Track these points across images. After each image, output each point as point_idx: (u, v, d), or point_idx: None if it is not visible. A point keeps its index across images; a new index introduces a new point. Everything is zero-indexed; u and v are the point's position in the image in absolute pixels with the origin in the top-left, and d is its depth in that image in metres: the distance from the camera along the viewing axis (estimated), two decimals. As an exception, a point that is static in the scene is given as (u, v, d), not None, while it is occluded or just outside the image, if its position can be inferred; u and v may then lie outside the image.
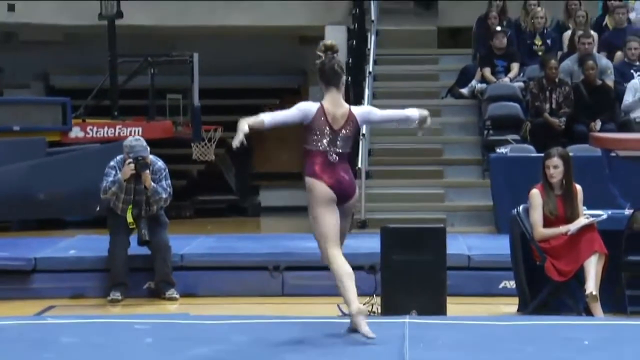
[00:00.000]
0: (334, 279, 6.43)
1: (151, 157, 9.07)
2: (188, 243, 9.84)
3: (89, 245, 9.85)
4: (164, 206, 9.15)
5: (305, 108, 6.58)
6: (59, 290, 9.07)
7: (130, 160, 8.91)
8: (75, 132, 14.69)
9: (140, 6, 15.98)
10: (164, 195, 9.02)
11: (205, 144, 15.21)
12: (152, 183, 8.94)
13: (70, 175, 13.49)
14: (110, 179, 8.98)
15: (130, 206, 8.96)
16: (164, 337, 6.41)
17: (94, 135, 14.66)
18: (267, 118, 6.52)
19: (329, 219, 6.49)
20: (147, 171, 8.95)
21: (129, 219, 8.95)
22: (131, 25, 15.19)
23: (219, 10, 16.33)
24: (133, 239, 9.07)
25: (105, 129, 14.69)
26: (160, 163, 9.14)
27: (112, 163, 9.12)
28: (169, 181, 9.11)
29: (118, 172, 8.98)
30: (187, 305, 8.66)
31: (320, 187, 6.51)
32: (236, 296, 9.00)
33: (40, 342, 6.25)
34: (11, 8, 15.75)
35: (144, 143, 9.04)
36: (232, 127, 19.63)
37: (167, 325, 6.91)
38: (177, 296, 8.96)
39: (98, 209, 9.62)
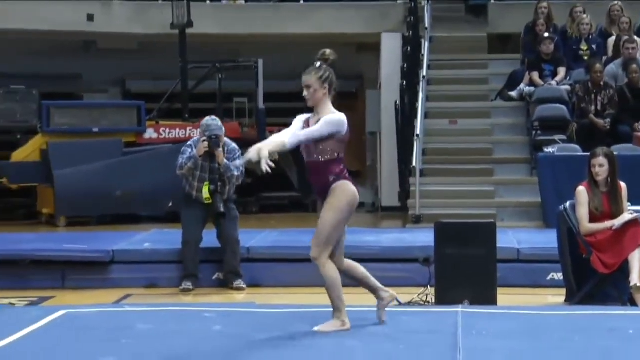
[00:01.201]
0: (325, 283, 6.17)
1: (226, 139, 9.09)
2: (254, 237, 9.87)
3: (163, 238, 9.92)
4: (237, 184, 9.08)
5: (341, 121, 6.09)
6: (134, 280, 9.13)
7: (205, 138, 8.94)
8: (149, 134, 14.80)
9: (209, 16, 16.08)
10: (235, 173, 9.00)
11: (270, 145, 15.21)
12: (225, 161, 8.95)
13: (145, 174, 13.60)
14: (186, 155, 9.01)
15: (206, 183, 8.96)
16: (232, 325, 6.43)
17: (167, 136, 14.75)
18: (288, 139, 5.97)
19: (344, 228, 6.23)
20: (220, 149, 8.94)
21: (205, 194, 8.92)
22: (200, 33, 15.27)
23: (281, 19, 16.38)
24: (205, 233, 9.11)
25: (177, 130, 14.79)
26: (234, 145, 9.16)
27: (189, 142, 9.17)
28: (242, 162, 9.07)
29: (194, 150, 9.01)
30: (253, 295, 8.68)
31: (356, 195, 6.19)
32: (298, 286, 9.00)
33: (118, 328, 6.30)
34: (90, 18, 15.91)
35: (219, 123, 9.04)
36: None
37: (235, 313, 6.93)
38: (244, 286, 8.99)
39: (170, 204, 9.67)
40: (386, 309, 6.49)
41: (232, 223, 9.07)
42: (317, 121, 6.11)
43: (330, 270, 6.16)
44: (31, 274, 9.13)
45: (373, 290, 6.45)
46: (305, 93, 6.13)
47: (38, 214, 14.55)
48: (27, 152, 14.47)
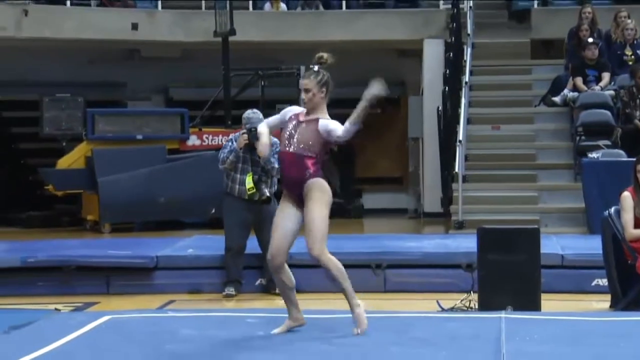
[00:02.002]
0: (334, 275, 6.27)
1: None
2: (295, 243, 9.85)
3: (206, 244, 9.96)
4: (278, 176, 9.06)
5: None
6: (178, 286, 9.17)
7: (244, 130, 8.96)
8: (192, 140, 14.88)
9: (252, 23, 16.14)
10: (276, 165, 8.98)
11: (312, 151, 15.25)
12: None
13: (188, 180, 13.67)
14: (227, 149, 9.04)
15: (249, 174, 8.96)
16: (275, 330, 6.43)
17: (209, 142, 14.82)
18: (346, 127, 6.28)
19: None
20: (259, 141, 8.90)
21: (249, 184, 8.92)
22: (243, 41, 15.33)
23: (323, 26, 16.40)
24: (248, 238, 9.12)
25: (220, 137, 14.84)
26: (275, 139, 9.15)
27: (230, 136, 9.20)
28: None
29: (234, 144, 9.02)
30: (295, 301, 8.66)
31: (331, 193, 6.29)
32: (340, 292, 8.97)
33: (162, 333, 6.34)
34: (135, 27, 16.04)
35: (260, 116, 9.04)
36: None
37: (277, 319, 6.94)
38: (287, 292, 8.98)
39: (213, 211, 9.70)
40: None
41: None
42: (313, 121, 6.21)
43: (336, 261, 6.28)
44: (76, 279, 9.21)
45: (293, 305, 6.42)
46: (303, 96, 6.26)
47: (83, 220, 14.67)
48: (72, 160, 14.60)
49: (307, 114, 6.29)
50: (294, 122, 6.29)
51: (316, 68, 6.29)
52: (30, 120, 15.88)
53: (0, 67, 15.13)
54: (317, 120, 6.24)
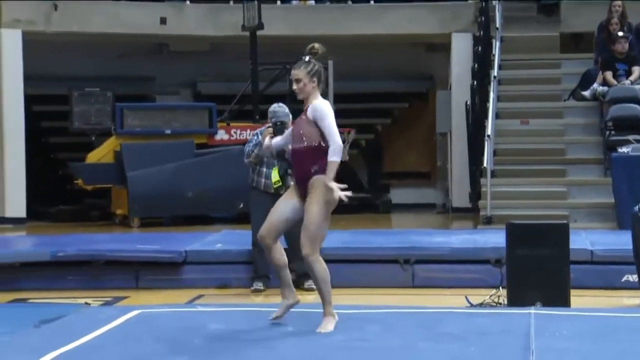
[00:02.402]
0: (317, 277, 6.26)
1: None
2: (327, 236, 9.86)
3: (234, 239, 9.98)
4: None
5: (328, 104, 6.33)
6: (206, 280, 9.20)
7: (270, 124, 8.97)
8: (221, 135, 14.93)
9: (280, 17, 16.15)
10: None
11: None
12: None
13: (216, 175, 13.71)
14: (252, 143, 9.05)
15: (275, 167, 8.96)
16: (303, 325, 6.45)
17: (237, 137, 14.86)
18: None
19: (328, 222, 6.36)
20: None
21: (275, 178, 8.93)
22: (271, 35, 15.35)
23: (352, 19, 16.38)
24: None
25: (248, 131, 14.88)
26: None
27: (256, 130, 9.22)
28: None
29: (260, 137, 9.04)
30: (323, 296, 8.67)
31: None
32: (369, 287, 9.00)
33: (191, 328, 6.36)
34: (163, 21, 16.09)
35: (286, 110, 9.04)
36: (365, 130, 19.65)
37: (306, 314, 6.95)
38: (315, 287, 8.99)
39: (241, 205, 9.72)
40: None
41: (300, 227, 9.03)
42: (307, 110, 6.24)
43: (323, 265, 6.29)
44: (105, 274, 9.27)
45: (286, 284, 6.50)
46: (294, 87, 6.31)
47: (112, 214, 14.76)
48: (101, 154, 14.69)
49: (304, 105, 6.37)
50: (298, 119, 6.39)
51: (307, 58, 6.32)
52: (60, 115, 15.99)
53: (30, 61, 15.21)
54: (306, 109, 6.28)
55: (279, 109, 9.03)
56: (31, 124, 15.90)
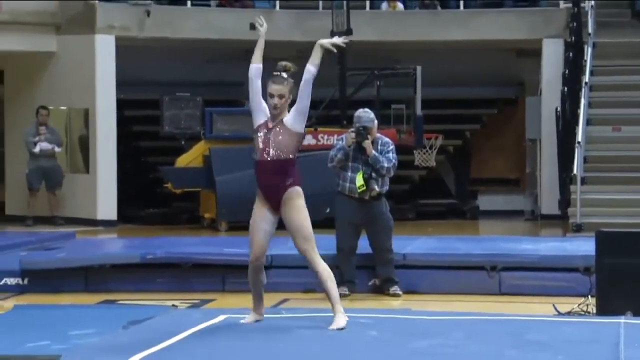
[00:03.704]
0: (319, 278, 6.47)
1: (379, 135, 9.09)
2: (410, 243, 9.85)
3: (320, 244, 9.78)
4: (388, 176, 9.03)
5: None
6: (292, 284, 9.23)
7: (353, 129, 8.98)
8: (308, 140, 14.94)
9: (368, 23, 16.16)
10: (385, 164, 8.95)
11: (427, 151, 15.20)
12: (374, 152, 8.93)
13: (303, 179, 13.73)
14: (337, 148, 9.08)
15: (360, 172, 8.97)
16: (387, 331, 6.43)
17: (325, 142, 14.88)
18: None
19: None
20: (368, 141, 8.92)
21: (359, 182, 8.94)
22: (359, 40, 15.34)
23: (440, 25, 16.31)
24: (361, 238, 9.13)
25: (335, 136, 14.88)
26: (387, 139, 9.15)
27: (341, 136, 9.24)
28: (395, 155, 9.05)
29: (344, 142, 9.06)
30: (409, 302, 8.65)
31: None
32: (455, 294, 8.93)
33: (275, 332, 6.38)
34: (252, 27, 16.18)
35: (372, 115, 9.04)
36: (453, 136, 19.53)
37: (390, 320, 6.93)
38: (400, 293, 8.98)
39: (328, 210, 9.72)
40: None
41: (385, 233, 9.04)
42: (279, 123, 6.42)
43: (324, 263, 6.53)
44: (193, 276, 9.37)
45: (261, 300, 6.65)
46: (277, 102, 6.45)
47: (200, 218, 14.91)
48: (190, 158, 14.85)
49: (273, 119, 6.47)
50: (264, 131, 6.48)
51: (285, 75, 6.52)
52: (151, 119, 16.23)
53: (123, 66, 15.47)
54: (281, 121, 6.43)
55: (364, 114, 9.04)
56: (123, 128, 16.16)
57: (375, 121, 9.07)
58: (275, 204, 6.49)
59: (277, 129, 6.43)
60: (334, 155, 9.06)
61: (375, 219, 9.03)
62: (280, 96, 6.45)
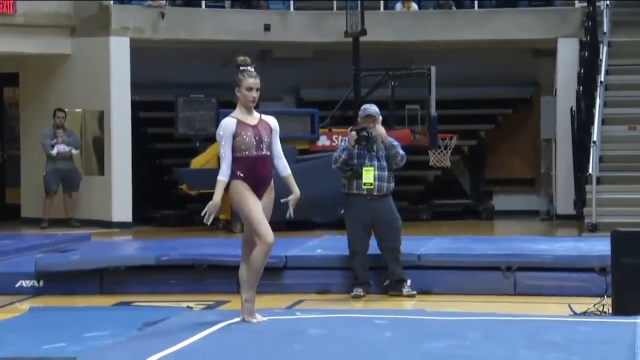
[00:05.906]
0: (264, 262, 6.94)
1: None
2: (425, 244, 9.84)
3: (334, 245, 10.00)
4: (400, 164, 9.04)
5: None
6: (306, 286, 9.23)
7: (352, 127, 8.98)
8: (322, 141, 14.97)
9: (383, 23, 16.15)
10: (400, 151, 8.97)
11: (441, 151, 15.18)
12: (389, 137, 8.95)
13: (317, 181, 13.73)
14: (340, 148, 9.08)
15: (366, 168, 8.95)
16: (402, 332, 6.43)
17: (339, 143, 14.84)
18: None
19: None
20: (379, 126, 8.94)
21: (367, 179, 8.93)
22: (374, 41, 15.35)
23: (455, 25, 16.29)
24: (373, 239, 9.13)
25: (350, 137, 14.88)
26: (391, 139, 9.15)
27: (345, 138, 9.26)
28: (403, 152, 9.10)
29: (347, 142, 9.05)
30: (423, 302, 8.65)
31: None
32: (470, 294, 8.91)
33: (291, 333, 6.39)
34: (267, 28, 16.24)
35: (377, 110, 9.08)
36: (468, 136, 19.47)
37: (405, 320, 6.93)
38: (415, 293, 8.96)
39: (342, 211, 9.72)
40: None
41: (393, 234, 9.01)
42: (262, 121, 6.78)
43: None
44: (208, 278, 9.37)
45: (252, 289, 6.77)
46: (255, 95, 6.71)
47: (215, 219, 14.88)
48: (205, 159, 14.86)
49: (249, 112, 6.74)
50: (250, 129, 6.72)
51: (253, 68, 6.68)
52: (166, 121, 16.25)
53: (137, 68, 15.51)
54: (264, 121, 6.76)
55: (369, 107, 9.09)
56: (137, 130, 16.19)
57: (380, 116, 9.10)
58: (261, 195, 6.95)
59: (263, 125, 6.76)
60: (337, 155, 9.07)
61: (384, 218, 9.01)
62: (258, 89, 6.70)
